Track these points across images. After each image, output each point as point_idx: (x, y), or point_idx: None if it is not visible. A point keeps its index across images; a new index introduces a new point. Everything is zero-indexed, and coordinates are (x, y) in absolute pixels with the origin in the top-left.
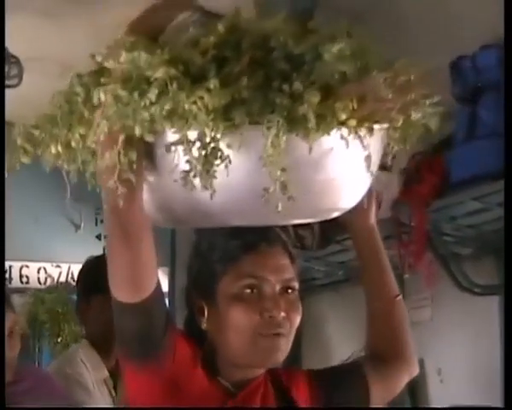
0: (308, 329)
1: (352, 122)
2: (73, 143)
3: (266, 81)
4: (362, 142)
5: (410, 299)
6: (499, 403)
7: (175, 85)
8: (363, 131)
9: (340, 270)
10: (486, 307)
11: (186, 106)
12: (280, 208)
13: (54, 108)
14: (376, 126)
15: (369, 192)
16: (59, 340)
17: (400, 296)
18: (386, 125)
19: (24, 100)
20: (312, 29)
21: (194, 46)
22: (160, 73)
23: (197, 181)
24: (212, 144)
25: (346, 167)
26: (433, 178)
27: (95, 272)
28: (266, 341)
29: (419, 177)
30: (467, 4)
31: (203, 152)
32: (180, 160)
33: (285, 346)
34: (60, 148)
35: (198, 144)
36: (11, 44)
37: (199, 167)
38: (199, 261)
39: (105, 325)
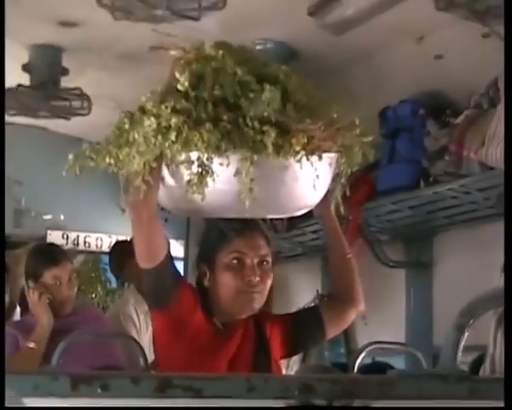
0: (276, 287)
1: (303, 152)
2: (121, 157)
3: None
4: (312, 165)
5: None
6: (403, 338)
7: (186, 128)
8: (314, 158)
9: (299, 247)
10: (397, 275)
11: (193, 138)
12: (247, 205)
13: (110, 133)
14: (325, 155)
15: (327, 194)
16: (94, 295)
17: (351, 254)
18: (333, 155)
19: (91, 124)
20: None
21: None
22: (174, 120)
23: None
24: (205, 164)
25: (302, 181)
26: (366, 188)
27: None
28: (246, 296)
29: (356, 187)
30: (395, 72)
31: (199, 169)
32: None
33: (259, 300)
34: (111, 159)
35: (196, 164)
36: (84, 86)
37: (195, 180)
38: (205, 239)
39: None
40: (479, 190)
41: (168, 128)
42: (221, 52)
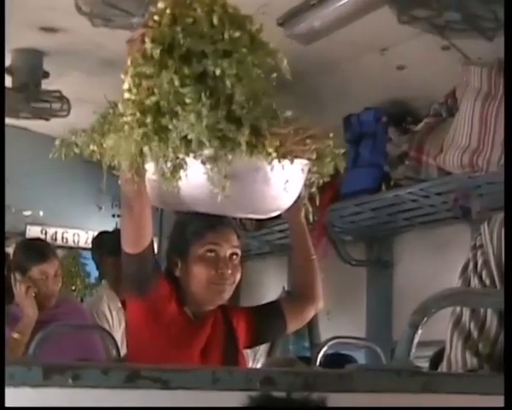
0: (245, 282)
1: (275, 154)
2: (104, 145)
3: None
4: (283, 168)
5: None
6: (363, 333)
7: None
8: (285, 162)
9: (267, 245)
10: (358, 273)
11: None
12: (219, 200)
13: (95, 121)
14: (297, 160)
15: (298, 200)
16: (73, 288)
17: (315, 256)
18: (305, 161)
19: (70, 125)
20: None
21: None
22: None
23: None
24: (178, 160)
25: (273, 183)
26: (331, 191)
27: (111, 241)
28: (217, 288)
29: (322, 190)
30: (360, 81)
31: (173, 163)
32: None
33: (228, 292)
34: (94, 146)
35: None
36: (64, 89)
37: (169, 174)
38: (177, 233)
39: (117, 273)
40: (437, 193)
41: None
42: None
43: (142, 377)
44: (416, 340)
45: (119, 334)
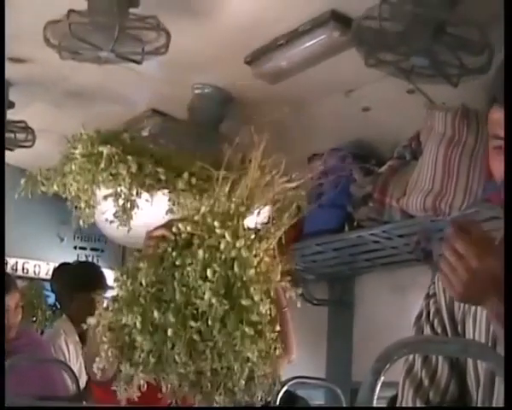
0: None
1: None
2: (66, 184)
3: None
4: None
5: None
6: (323, 372)
7: (117, 158)
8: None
9: None
10: (319, 312)
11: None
12: None
13: (57, 162)
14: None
15: None
16: (34, 319)
17: (287, 308)
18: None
19: (35, 155)
20: None
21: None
22: (106, 151)
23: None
24: (132, 199)
25: None
26: (293, 230)
27: (71, 273)
28: None
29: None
30: (325, 121)
31: (124, 202)
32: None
33: None
34: (58, 186)
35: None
36: (29, 120)
37: (120, 212)
38: None
39: (79, 309)
40: (399, 236)
41: (99, 156)
42: None
43: None
44: (378, 387)
45: (76, 367)
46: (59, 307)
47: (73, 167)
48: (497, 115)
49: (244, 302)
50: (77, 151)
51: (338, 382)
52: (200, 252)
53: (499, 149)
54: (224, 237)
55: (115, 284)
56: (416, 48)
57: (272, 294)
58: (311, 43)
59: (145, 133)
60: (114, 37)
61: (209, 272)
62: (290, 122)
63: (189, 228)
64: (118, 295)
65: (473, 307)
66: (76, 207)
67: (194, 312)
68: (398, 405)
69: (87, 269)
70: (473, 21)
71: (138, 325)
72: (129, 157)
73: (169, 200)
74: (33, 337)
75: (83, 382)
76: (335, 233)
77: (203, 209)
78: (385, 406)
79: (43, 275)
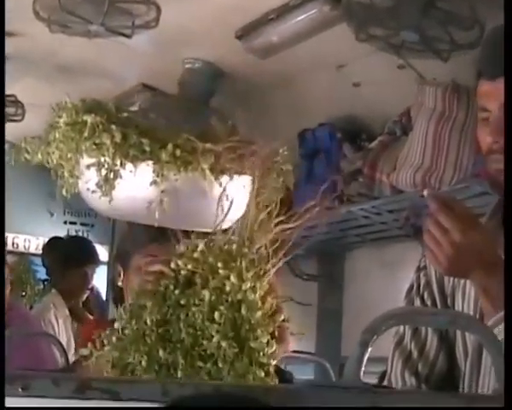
0: None
1: (209, 171)
2: (50, 152)
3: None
4: (220, 185)
5: None
6: (313, 348)
7: (101, 128)
8: (224, 178)
9: None
10: (309, 287)
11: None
12: (157, 216)
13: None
14: (239, 177)
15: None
16: (23, 294)
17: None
18: (247, 177)
19: (25, 129)
20: None
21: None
22: (90, 119)
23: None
24: (115, 169)
25: (210, 201)
26: (283, 205)
27: (62, 248)
28: None
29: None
30: (315, 96)
31: (107, 173)
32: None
33: None
34: (41, 155)
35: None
36: (19, 94)
37: (102, 182)
38: (123, 242)
39: (71, 283)
40: (389, 211)
41: (83, 124)
42: None
43: (93, 388)
44: (365, 358)
45: (64, 341)
46: (49, 281)
47: (57, 135)
48: (484, 88)
49: (253, 345)
50: (61, 120)
51: (327, 357)
52: (207, 294)
53: (486, 121)
54: (228, 278)
55: (117, 323)
56: (405, 23)
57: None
58: (302, 17)
59: (135, 108)
60: (104, 10)
61: (217, 315)
62: (281, 97)
63: (189, 266)
64: (120, 332)
65: (462, 281)
66: (59, 176)
67: (202, 353)
68: (386, 377)
69: (79, 243)
70: None
71: (144, 363)
72: (113, 127)
73: (153, 171)
74: (22, 311)
75: (72, 355)
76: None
77: (201, 247)
78: (375, 381)
79: (32, 250)
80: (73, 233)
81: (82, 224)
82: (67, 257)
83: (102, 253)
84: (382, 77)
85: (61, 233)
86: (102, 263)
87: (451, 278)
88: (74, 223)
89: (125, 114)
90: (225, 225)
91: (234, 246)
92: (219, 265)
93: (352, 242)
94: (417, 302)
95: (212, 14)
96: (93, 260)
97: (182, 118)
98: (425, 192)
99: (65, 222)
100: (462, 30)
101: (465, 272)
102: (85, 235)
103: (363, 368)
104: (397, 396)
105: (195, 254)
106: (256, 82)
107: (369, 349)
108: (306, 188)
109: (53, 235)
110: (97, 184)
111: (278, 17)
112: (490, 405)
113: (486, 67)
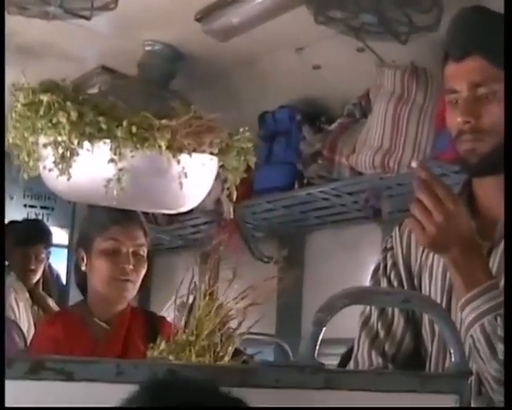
0: (156, 276)
1: (165, 148)
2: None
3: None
4: (179, 163)
5: (222, 263)
6: (273, 330)
7: (57, 106)
8: (182, 156)
9: (179, 240)
10: (270, 270)
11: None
12: (115, 195)
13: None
14: (199, 155)
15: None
16: None
17: None
18: (207, 156)
19: None
20: None
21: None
22: (46, 98)
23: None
24: (72, 147)
25: (168, 178)
26: (243, 187)
27: (20, 231)
28: (118, 283)
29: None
30: (275, 78)
31: (64, 151)
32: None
33: (131, 290)
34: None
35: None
36: None
37: (58, 160)
38: (85, 225)
39: (25, 263)
40: (348, 193)
41: (40, 104)
42: None
43: (46, 368)
44: (320, 337)
45: (25, 325)
46: (8, 265)
47: (14, 115)
48: (451, 70)
49: None
50: (18, 100)
51: (287, 338)
52: None
53: (455, 103)
54: None
55: None
56: (364, 5)
57: None
58: None
59: (95, 90)
60: None
61: None
62: (241, 80)
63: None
64: None
65: (429, 261)
66: (20, 159)
67: None
68: (353, 357)
69: (28, 225)
70: None
71: None
72: (69, 104)
73: (110, 149)
74: None
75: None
76: (285, 191)
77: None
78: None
79: None
80: (33, 216)
81: (42, 207)
82: (15, 239)
83: (63, 236)
84: (342, 59)
85: (21, 217)
86: (62, 246)
87: (418, 259)
88: (34, 206)
89: (82, 93)
90: (186, 207)
91: (183, 336)
92: (170, 357)
93: (312, 224)
94: (384, 283)
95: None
96: (39, 240)
97: (142, 100)
98: (413, 163)
99: (25, 205)
100: (420, 12)
101: (445, 245)
102: (45, 218)
103: (317, 347)
104: (350, 376)
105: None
106: (216, 64)
107: (324, 329)
108: (266, 169)
109: (12, 218)
110: (54, 162)
111: None
112: (441, 383)
113: (453, 48)
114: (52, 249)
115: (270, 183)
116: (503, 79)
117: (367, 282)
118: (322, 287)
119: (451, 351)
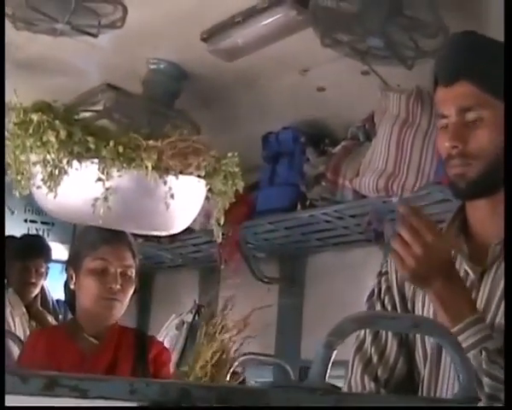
0: (156, 293)
1: (151, 168)
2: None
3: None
4: (165, 184)
5: (224, 281)
6: (273, 350)
7: (46, 125)
8: (169, 178)
9: (180, 258)
10: (270, 291)
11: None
12: (102, 213)
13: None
14: (183, 177)
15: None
16: None
17: None
18: (195, 178)
19: None
20: None
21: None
22: (37, 117)
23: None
24: (60, 166)
25: (154, 199)
26: (245, 207)
27: (19, 246)
28: (105, 302)
29: (236, 206)
30: (280, 100)
31: (52, 169)
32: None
33: (119, 309)
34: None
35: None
36: None
37: (46, 178)
38: (76, 245)
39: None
40: (351, 216)
41: (30, 123)
42: None
43: (61, 385)
44: (331, 361)
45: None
46: (6, 279)
47: (6, 134)
48: (440, 95)
49: None
50: (10, 120)
51: (287, 359)
52: None
53: (445, 128)
54: None
55: None
56: (371, 29)
57: None
58: (268, 21)
59: (99, 107)
60: (71, 9)
61: None
62: (246, 100)
63: None
64: None
65: None
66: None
67: None
68: (346, 381)
69: (27, 240)
70: (428, 3)
71: None
72: (58, 122)
73: (98, 168)
74: None
75: None
76: (288, 212)
77: None
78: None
79: None
80: (34, 231)
81: (42, 222)
82: (16, 253)
83: (63, 251)
84: (347, 82)
85: (22, 232)
86: (62, 262)
87: (412, 284)
88: (35, 221)
89: (75, 116)
90: (174, 230)
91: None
92: None
93: (314, 245)
94: (378, 307)
95: (178, 16)
96: (39, 254)
97: (146, 118)
98: (394, 199)
99: (25, 220)
100: (427, 37)
101: (427, 278)
102: (46, 234)
103: (329, 371)
104: (361, 399)
105: None
106: (221, 84)
107: (335, 352)
108: (269, 190)
109: (12, 233)
110: (43, 180)
111: (244, 20)
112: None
113: (441, 74)
114: (52, 265)
115: (273, 204)
116: (492, 104)
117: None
118: (322, 309)
119: (460, 377)
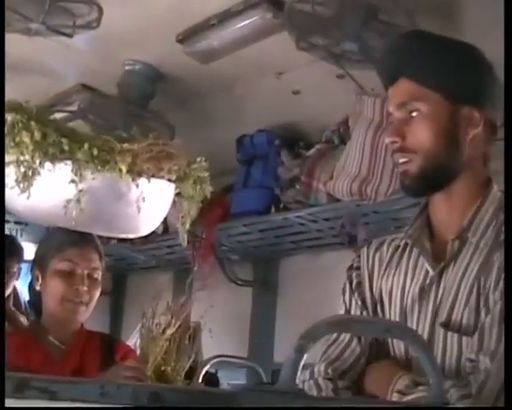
0: (130, 295)
1: (125, 171)
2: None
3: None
4: (138, 187)
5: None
6: (245, 352)
7: (21, 126)
8: (141, 181)
9: (154, 260)
10: (244, 293)
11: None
12: (74, 215)
13: None
14: (158, 181)
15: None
16: None
17: None
18: (165, 182)
19: None
20: None
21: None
22: (10, 118)
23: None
24: (34, 166)
25: (127, 202)
26: (220, 210)
27: None
28: (71, 305)
29: (211, 208)
30: (255, 102)
31: (26, 170)
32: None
33: (83, 312)
34: None
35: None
36: None
37: (20, 179)
38: (42, 246)
39: None
40: (325, 219)
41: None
42: None
43: (30, 387)
44: (301, 364)
45: None
46: None
47: None
48: (388, 94)
49: None
50: None
51: (260, 362)
52: None
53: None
54: None
55: None
56: (346, 33)
57: None
58: (244, 24)
59: (74, 108)
60: (45, 9)
61: None
62: (221, 102)
63: None
64: None
65: (388, 284)
66: None
67: None
68: (314, 382)
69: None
70: (403, 8)
71: None
72: (33, 123)
73: (71, 170)
74: None
75: None
76: (262, 215)
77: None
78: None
79: None
80: (7, 232)
81: (15, 222)
82: None
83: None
84: (322, 86)
85: None
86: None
87: (379, 280)
88: (8, 221)
89: (47, 115)
90: (141, 233)
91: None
92: None
93: (288, 248)
94: (347, 299)
95: (154, 17)
96: (11, 255)
97: (121, 119)
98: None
99: None
100: None
101: None
102: (19, 234)
103: (299, 374)
104: (331, 402)
105: None
106: (196, 86)
107: (305, 356)
108: (243, 193)
109: None
110: (16, 181)
111: (220, 22)
112: None
113: (383, 74)
114: (25, 265)
115: (247, 206)
116: (431, 98)
117: (340, 306)
118: (295, 311)
119: (430, 381)
